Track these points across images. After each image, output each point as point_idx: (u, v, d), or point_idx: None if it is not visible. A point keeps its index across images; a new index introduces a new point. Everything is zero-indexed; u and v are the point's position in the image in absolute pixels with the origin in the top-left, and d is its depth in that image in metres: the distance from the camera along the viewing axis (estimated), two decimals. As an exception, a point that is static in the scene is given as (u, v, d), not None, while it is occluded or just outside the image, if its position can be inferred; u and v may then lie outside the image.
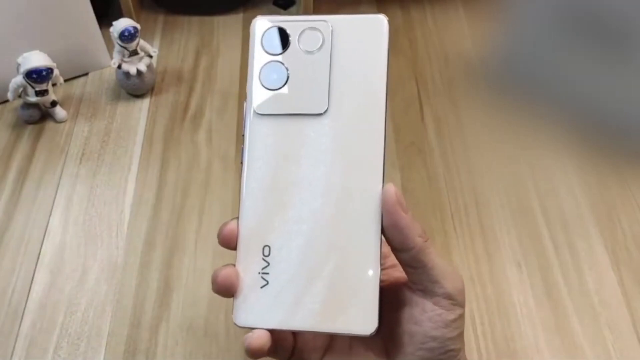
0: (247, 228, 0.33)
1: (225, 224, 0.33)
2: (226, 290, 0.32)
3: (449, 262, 0.34)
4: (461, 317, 0.33)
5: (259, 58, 0.33)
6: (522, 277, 0.58)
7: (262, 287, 0.32)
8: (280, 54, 0.33)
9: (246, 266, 0.32)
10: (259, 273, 0.32)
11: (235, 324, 0.32)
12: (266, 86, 0.33)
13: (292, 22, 0.33)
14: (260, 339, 0.31)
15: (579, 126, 0.70)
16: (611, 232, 0.61)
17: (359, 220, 0.32)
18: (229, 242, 0.33)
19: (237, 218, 0.33)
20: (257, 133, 0.33)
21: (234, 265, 0.33)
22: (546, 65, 0.77)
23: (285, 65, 0.33)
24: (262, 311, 0.32)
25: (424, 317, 0.32)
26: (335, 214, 0.32)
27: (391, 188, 0.31)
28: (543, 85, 0.75)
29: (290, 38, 0.33)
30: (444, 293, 0.32)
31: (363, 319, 0.31)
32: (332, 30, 0.33)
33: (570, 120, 0.71)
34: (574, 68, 0.76)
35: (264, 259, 0.32)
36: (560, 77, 0.76)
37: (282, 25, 0.33)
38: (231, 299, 0.33)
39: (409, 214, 0.32)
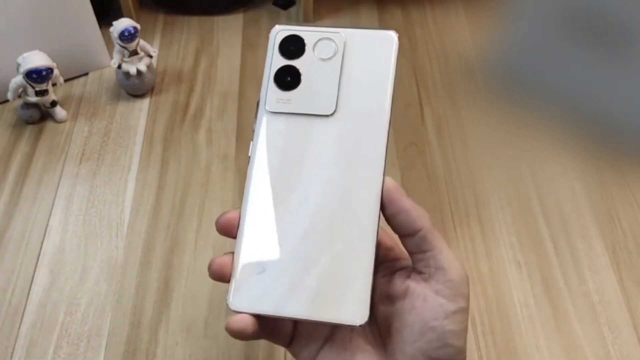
0: (251, 217, 0.34)
1: (224, 212, 0.34)
2: (220, 277, 0.34)
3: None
4: (463, 311, 0.32)
5: (275, 61, 0.35)
6: (522, 277, 0.58)
7: (258, 274, 0.33)
8: (296, 59, 0.35)
9: (245, 253, 0.34)
10: (257, 260, 0.34)
11: (228, 307, 0.33)
12: (279, 87, 0.35)
13: (309, 32, 0.36)
14: (241, 321, 0.32)
15: (579, 126, 0.70)
16: (611, 232, 0.61)
17: (357, 214, 0.33)
18: (229, 230, 0.34)
19: (239, 208, 0.34)
20: (266, 129, 0.35)
21: (232, 253, 0.34)
22: (546, 65, 0.77)
23: (300, 69, 0.35)
24: (257, 297, 0.33)
25: (425, 306, 0.32)
26: (335, 208, 0.33)
27: (391, 180, 0.33)
28: (543, 85, 0.75)
29: (306, 46, 0.35)
30: (447, 280, 0.32)
31: (355, 310, 0.32)
32: (345, 42, 0.35)
33: (571, 120, 0.71)
34: (574, 68, 0.76)
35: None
36: (561, 77, 0.76)
37: (300, 34, 0.36)
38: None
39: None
